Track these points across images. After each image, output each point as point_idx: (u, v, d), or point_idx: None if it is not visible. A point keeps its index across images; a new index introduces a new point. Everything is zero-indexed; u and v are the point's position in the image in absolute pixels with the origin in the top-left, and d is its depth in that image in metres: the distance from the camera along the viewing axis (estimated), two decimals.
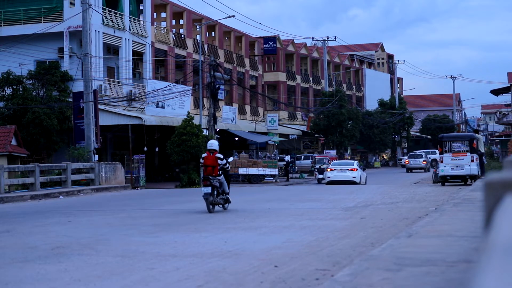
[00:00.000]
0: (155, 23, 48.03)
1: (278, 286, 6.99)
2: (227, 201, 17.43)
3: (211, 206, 16.75)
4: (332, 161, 41.93)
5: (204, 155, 17.46)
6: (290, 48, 69.19)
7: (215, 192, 16.91)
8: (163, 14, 51.34)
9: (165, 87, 39.14)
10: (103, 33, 39.43)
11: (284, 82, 67.21)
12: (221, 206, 17.31)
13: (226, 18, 48.97)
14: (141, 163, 35.79)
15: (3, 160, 29.77)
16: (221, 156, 17.30)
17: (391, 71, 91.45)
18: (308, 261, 8.57)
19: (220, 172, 17.14)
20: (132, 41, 42.25)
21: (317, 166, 43.17)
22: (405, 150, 77.74)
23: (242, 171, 41.21)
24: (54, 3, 39.62)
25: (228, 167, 17.72)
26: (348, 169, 35.64)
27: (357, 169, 35.82)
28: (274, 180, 41.43)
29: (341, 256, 8.87)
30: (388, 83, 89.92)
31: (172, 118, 39.96)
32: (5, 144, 30.51)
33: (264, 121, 59.28)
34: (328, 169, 36.64)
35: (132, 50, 42.38)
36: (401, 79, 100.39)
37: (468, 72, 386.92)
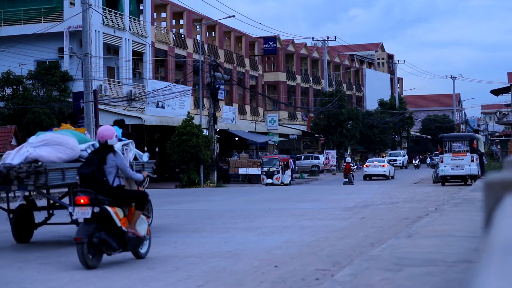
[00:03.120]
0: (155, 23, 48.04)
1: (278, 286, 7.00)
2: (352, 183, 35.27)
3: (347, 185, 33.26)
4: (284, 162, 37.92)
5: (345, 163, 37.87)
6: (290, 48, 69.18)
7: (349, 181, 35.22)
8: (163, 14, 51.35)
9: (165, 87, 39.13)
10: (103, 33, 39.43)
11: (284, 82, 67.21)
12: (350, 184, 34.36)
13: (226, 18, 49.03)
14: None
15: None
16: (352, 164, 37.36)
17: (391, 71, 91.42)
18: (308, 261, 8.58)
19: (351, 171, 36.74)
20: (132, 41, 42.26)
21: (265, 169, 37.43)
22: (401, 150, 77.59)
23: (242, 171, 41.19)
24: (54, 3, 39.62)
25: (353, 169, 38.88)
26: (380, 165, 44.00)
27: (387, 165, 44.27)
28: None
29: (341, 256, 8.87)
30: (388, 83, 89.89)
31: (172, 118, 39.96)
32: (5, 144, 30.51)
33: (264, 121, 59.29)
34: (365, 165, 45.09)
35: (132, 50, 42.38)
36: (401, 79, 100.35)
37: (468, 72, 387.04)
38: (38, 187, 10.69)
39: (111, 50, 42.15)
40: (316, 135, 64.13)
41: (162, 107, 40.94)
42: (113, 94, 39.65)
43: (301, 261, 8.56)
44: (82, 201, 8.37)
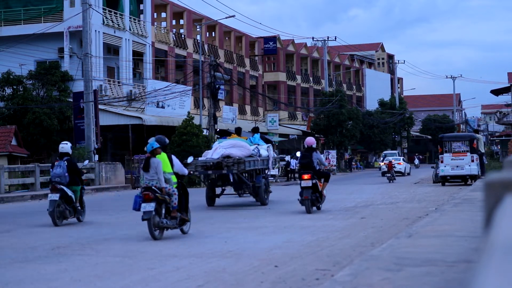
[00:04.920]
0: (155, 23, 48.03)
1: (278, 286, 6.99)
2: (394, 179, 36.32)
3: (390, 180, 35.59)
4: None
5: (388, 162, 40.16)
6: (290, 48, 69.16)
7: (392, 176, 36.22)
8: (163, 14, 51.33)
9: (165, 87, 39.12)
10: (103, 33, 39.42)
11: (284, 82, 67.19)
12: (392, 181, 35.57)
13: (226, 18, 48.91)
14: (141, 163, 35.73)
15: (3, 160, 29.76)
16: (393, 163, 39.87)
17: (391, 71, 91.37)
18: (308, 261, 8.58)
19: (392, 169, 37.79)
20: (132, 41, 42.25)
21: None
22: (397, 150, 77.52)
23: None
24: (54, 3, 39.61)
25: (394, 165, 40.65)
26: (396, 163, 46.04)
27: (402, 163, 47.94)
28: (274, 180, 41.37)
29: (341, 256, 8.88)
30: (388, 83, 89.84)
31: (172, 118, 39.94)
32: (5, 144, 30.50)
33: (264, 121, 59.26)
34: (383, 163, 47.20)
35: (132, 50, 42.37)
36: (401, 79, 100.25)
37: (468, 72, 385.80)
38: (239, 171, 17.90)
39: (111, 50, 42.14)
40: (316, 135, 64.07)
41: (162, 107, 40.93)
42: (113, 94, 39.64)
43: (301, 261, 8.56)
44: (306, 177, 15.37)
